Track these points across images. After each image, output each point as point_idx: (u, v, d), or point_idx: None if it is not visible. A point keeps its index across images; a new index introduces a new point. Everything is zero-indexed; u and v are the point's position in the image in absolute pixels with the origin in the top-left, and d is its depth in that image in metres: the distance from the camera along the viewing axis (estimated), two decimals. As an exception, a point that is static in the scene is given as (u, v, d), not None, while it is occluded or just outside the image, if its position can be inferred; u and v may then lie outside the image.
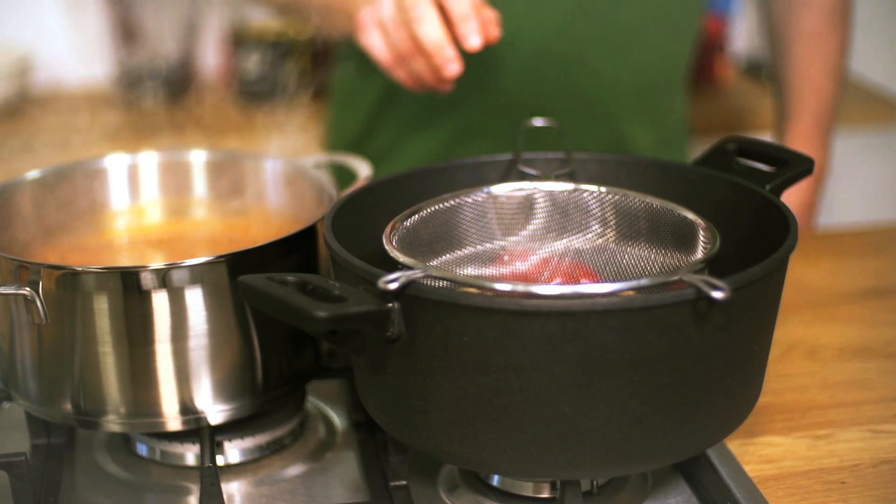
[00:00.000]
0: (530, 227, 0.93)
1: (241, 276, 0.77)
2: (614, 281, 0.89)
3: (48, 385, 0.88)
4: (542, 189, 0.93)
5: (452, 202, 0.91)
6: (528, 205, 0.93)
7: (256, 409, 0.90)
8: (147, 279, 0.84)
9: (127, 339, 0.85)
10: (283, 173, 1.03)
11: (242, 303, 0.87)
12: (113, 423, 0.88)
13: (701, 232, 0.86)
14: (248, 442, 0.93)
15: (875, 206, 2.29)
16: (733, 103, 2.21)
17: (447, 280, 0.77)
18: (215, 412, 0.88)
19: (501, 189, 0.93)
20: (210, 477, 0.86)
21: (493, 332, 0.74)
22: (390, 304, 0.75)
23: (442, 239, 0.91)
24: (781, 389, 1.01)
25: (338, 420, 0.98)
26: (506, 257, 0.92)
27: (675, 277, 0.75)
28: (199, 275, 0.85)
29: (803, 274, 1.23)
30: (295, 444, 0.95)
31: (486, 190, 0.93)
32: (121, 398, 0.87)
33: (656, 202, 0.90)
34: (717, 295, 0.72)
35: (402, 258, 0.80)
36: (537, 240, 0.93)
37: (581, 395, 0.75)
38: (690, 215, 0.87)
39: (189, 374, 0.87)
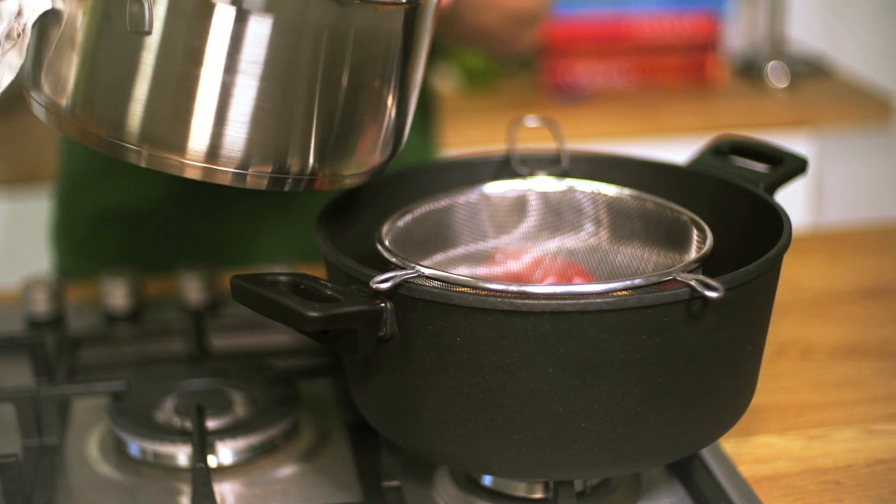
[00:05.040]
0: (523, 227, 0.93)
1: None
2: (608, 280, 0.89)
3: (118, 99, 0.76)
4: (536, 188, 0.93)
5: (445, 202, 0.91)
6: (521, 204, 0.93)
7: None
8: None
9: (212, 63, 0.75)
10: None
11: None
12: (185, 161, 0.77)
13: (695, 231, 0.86)
14: (241, 442, 0.92)
15: (870, 205, 2.30)
16: (727, 103, 2.21)
17: (440, 280, 0.77)
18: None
19: (494, 188, 0.93)
20: (202, 478, 0.85)
21: (485, 332, 0.73)
22: (383, 304, 0.75)
23: (435, 239, 0.91)
24: (775, 389, 1.01)
25: (331, 420, 0.98)
26: (499, 257, 0.92)
27: (669, 277, 0.75)
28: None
29: (797, 273, 1.22)
30: (287, 444, 0.95)
31: (479, 190, 0.93)
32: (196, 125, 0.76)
33: (650, 201, 0.90)
34: (712, 294, 0.72)
35: (394, 258, 0.80)
36: (530, 239, 0.93)
37: (574, 395, 0.74)
38: (684, 214, 0.87)
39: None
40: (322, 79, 0.77)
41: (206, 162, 0.77)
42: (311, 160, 0.79)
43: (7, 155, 1.97)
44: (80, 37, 0.76)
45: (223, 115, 0.76)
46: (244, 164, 0.77)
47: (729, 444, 0.92)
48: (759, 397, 0.87)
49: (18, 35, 0.76)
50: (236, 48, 0.75)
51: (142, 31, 0.73)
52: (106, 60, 0.76)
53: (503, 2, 1.24)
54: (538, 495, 0.86)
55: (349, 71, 0.78)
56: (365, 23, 0.77)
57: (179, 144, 0.76)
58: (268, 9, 0.74)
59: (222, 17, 0.74)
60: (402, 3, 0.79)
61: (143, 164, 0.77)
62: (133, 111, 0.76)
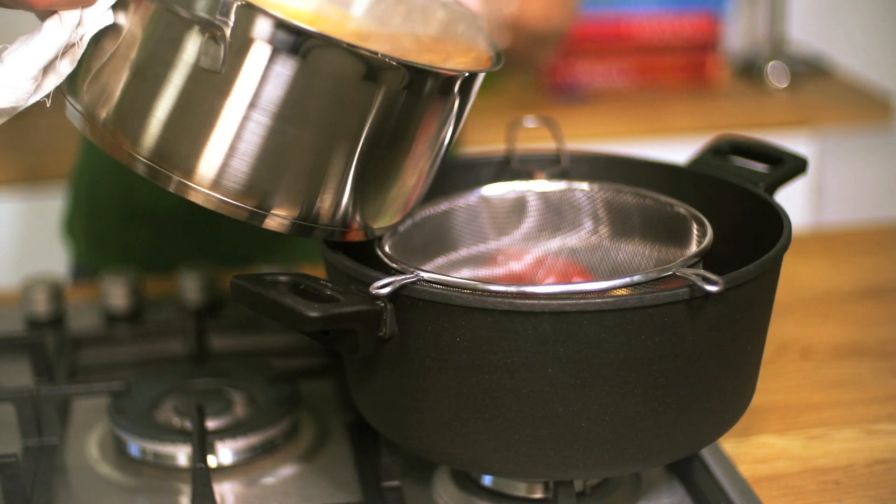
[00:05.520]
0: (524, 228, 0.93)
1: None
2: (607, 278, 0.89)
3: (160, 124, 0.76)
4: (535, 189, 0.93)
5: (445, 206, 0.91)
6: (521, 205, 0.93)
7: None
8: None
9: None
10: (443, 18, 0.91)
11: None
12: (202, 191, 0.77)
13: (694, 226, 0.86)
14: (241, 442, 0.92)
15: (870, 205, 2.29)
16: (727, 103, 2.21)
17: (439, 284, 0.77)
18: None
19: (494, 190, 0.93)
20: (202, 478, 0.85)
21: (485, 333, 0.73)
22: (382, 304, 0.75)
23: (436, 242, 0.90)
24: (775, 389, 1.01)
25: (331, 420, 0.98)
26: (500, 258, 0.92)
27: (669, 272, 0.75)
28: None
29: (797, 273, 1.22)
30: (287, 444, 0.95)
31: (478, 192, 0.93)
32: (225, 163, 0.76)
33: (650, 198, 0.90)
34: (711, 288, 0.71)
35: (394, 264, 0.80)
36: (531, 239, 0.93)
37: (574, 395, 0.74)
38: (684, 209, 0.87)
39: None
40: (366, 137, 0.77)
41: (231, 198, 0.77)
42: (343, 213, 0.79)
43: (13, 155, 1.97)
44: (135, 57, 0.76)
45: (255, 156, 0.76)
46: (266, 205, 0.77)
47: (729, 444, 0.92)
48: (759, 397, 0.87)
49: (74, 44, 0.76)
50: (277, 91, 0.74)
51: (215, 71, 0.73)
52: (157, 86, 0.76)
53: (523, 24, 1.23)
54: (538, 495, 0.86)
55: (394, 131, 0.78)
56: (417, 87, 0.77)
57: (210, 178, 0.76)
58: (307, 58, 0.73)
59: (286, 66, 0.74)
60: (460, 72, 0.79)
61: (171, 190, 0.77)
62: (171, 139, 0.76)
